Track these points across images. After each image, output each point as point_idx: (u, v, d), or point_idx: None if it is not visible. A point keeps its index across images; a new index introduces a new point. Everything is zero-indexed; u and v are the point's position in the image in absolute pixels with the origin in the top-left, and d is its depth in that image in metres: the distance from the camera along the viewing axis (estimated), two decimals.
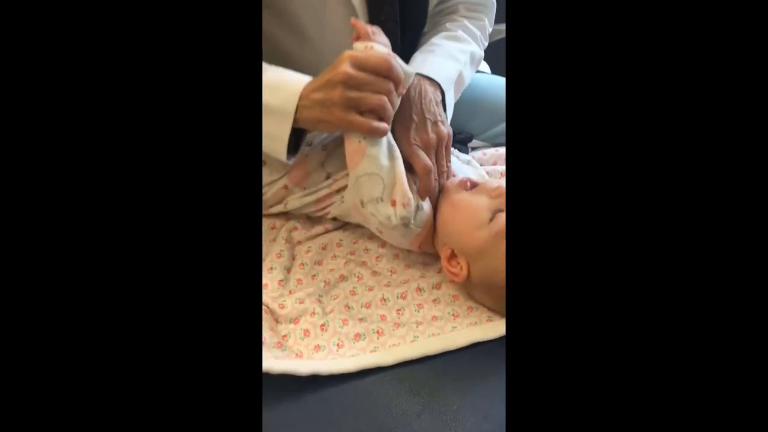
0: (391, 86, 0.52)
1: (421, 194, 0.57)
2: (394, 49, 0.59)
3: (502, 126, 0.79)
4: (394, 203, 0.55)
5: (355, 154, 0.54)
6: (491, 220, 0.53)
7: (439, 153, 0.58)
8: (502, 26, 1.12)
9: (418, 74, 0.61)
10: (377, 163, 0.54)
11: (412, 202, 0.55)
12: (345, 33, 0.64)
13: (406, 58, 0.64)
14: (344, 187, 0.60)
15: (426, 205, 0.57)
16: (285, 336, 0.53)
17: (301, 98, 0.52)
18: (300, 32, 0.65)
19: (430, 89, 0.61)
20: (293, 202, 0.63)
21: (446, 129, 0.59)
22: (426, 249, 0.60)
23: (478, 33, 0.74)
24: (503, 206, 0.53)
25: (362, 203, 0.56)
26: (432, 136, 0.57)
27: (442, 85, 0.62)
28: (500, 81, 0.85)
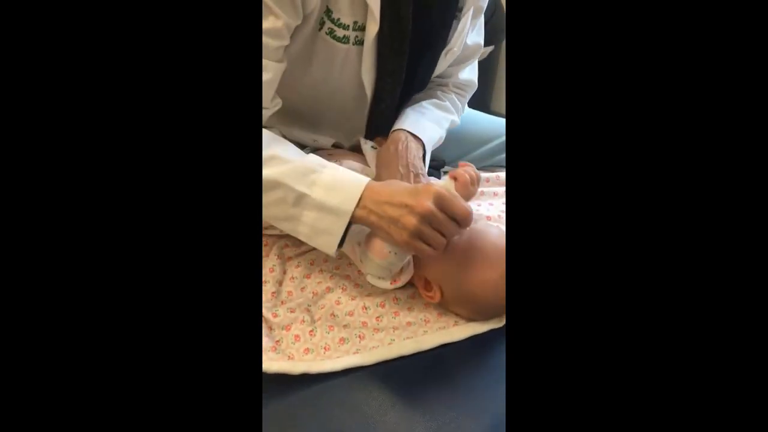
0: (458, 230, 0.56)
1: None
2: (387, 120, 0.70)
3: (472, 155, 0.88)
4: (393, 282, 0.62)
5: (379, 252, 0.59)
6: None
7: None
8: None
9: (407, 131, 0.71)
10: (393, 267, 0.61)
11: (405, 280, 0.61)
12: (352, 107, 0.73)
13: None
14: None
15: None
16: (278, 341, 0.61)
17: (363, 199, 0.56)
18: (314, 99, 0.73)
19: (414, 146, 0.70)
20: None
21: (425, 180, 0.67)
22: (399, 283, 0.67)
23: (460, 105, 0.85)
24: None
25: (361, 261, 0.63)
26: None
27: (426, 145, 0.72)
28: (473, 114, 0.94)
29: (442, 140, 0.80)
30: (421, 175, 0.67)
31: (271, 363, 0.56)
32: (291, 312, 0.63)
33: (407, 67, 0.69)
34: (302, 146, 0.77)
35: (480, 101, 0.91)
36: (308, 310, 0.63)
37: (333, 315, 0.63)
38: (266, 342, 0.59)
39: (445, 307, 0.64)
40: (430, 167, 0.82)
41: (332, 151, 0.75)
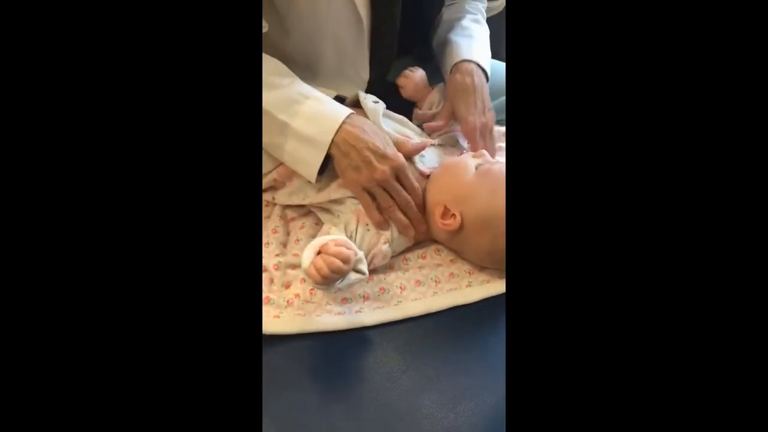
0: (410, 204, 0.59)
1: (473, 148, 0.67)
2: (390, 50, 0.66)
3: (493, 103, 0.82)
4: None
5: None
6: (476, 169, 0.59)
7: (490, 134, 0.69)
8: (494, 3, 1.15)
9: (473, 62, 0.71)
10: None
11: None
12: (350, 42, 0.67)
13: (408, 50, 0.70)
14: (336, 201, 0.62)
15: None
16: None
17: (340, 132, 0.57)
18: (302, 34, 0.66)
19: (483, 78, 0.71)
20: (280, 198, 0.66)
21: (493, 113, 0.70)
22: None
23: (485, 13, 0.84)
24: (485, 162, 0.60)
25: None
26: (486, 120, 0.68)
27: (487, 73, 0.73)
28: (493, 63, 0.87)
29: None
30: (489, 109, 0.69)
31: (271, 322, 0.52)
32: (292, 269, 0.59)
33: None
34: None
35: (493, 51, 0.85)
36: None
37: None
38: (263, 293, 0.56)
39: (463, 244, 0.59)
40: None
41: None
